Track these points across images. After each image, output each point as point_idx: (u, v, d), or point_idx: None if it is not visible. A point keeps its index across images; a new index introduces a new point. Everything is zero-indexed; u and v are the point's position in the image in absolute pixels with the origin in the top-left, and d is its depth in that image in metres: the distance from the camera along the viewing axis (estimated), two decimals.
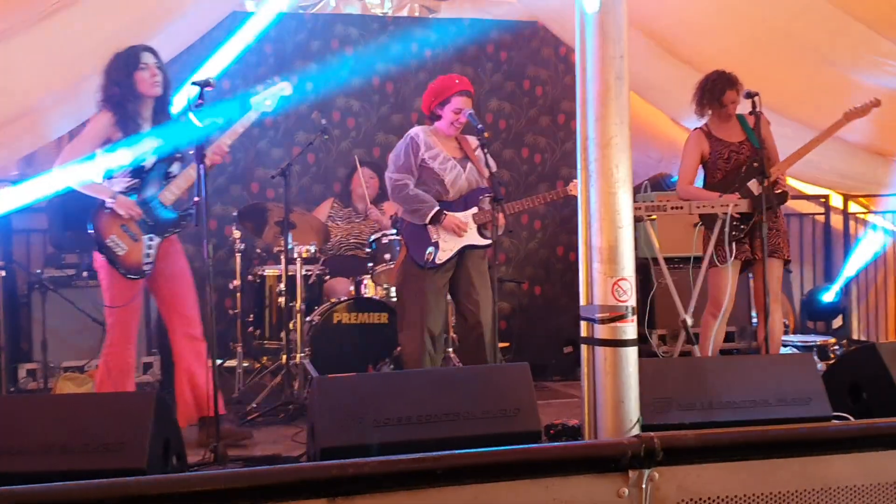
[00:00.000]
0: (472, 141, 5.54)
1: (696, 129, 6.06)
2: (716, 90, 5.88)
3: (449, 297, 5.64)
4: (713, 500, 2.20)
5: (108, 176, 4.94)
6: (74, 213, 6.23)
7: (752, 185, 5.75)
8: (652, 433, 2.03)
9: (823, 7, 6.14)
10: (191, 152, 4.81)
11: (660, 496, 2.03)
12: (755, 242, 5.70)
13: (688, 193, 5.96)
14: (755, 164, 5.73)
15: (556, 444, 2.72)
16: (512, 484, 1.94)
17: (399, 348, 5.73)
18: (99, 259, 4.92)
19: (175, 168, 5.03)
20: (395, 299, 6.30)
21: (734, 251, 5.73)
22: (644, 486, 2.04)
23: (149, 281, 5.02)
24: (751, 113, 5.49)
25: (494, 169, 5.10)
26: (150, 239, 4.92)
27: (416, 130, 5.53)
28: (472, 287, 5.45)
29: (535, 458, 1.98)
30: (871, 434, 2.21)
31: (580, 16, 3.38)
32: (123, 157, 4.88)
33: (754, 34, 6.72)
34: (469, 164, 5.51)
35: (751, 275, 6.06)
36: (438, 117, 5.47)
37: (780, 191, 5.86)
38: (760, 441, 2.11)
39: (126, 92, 4.90)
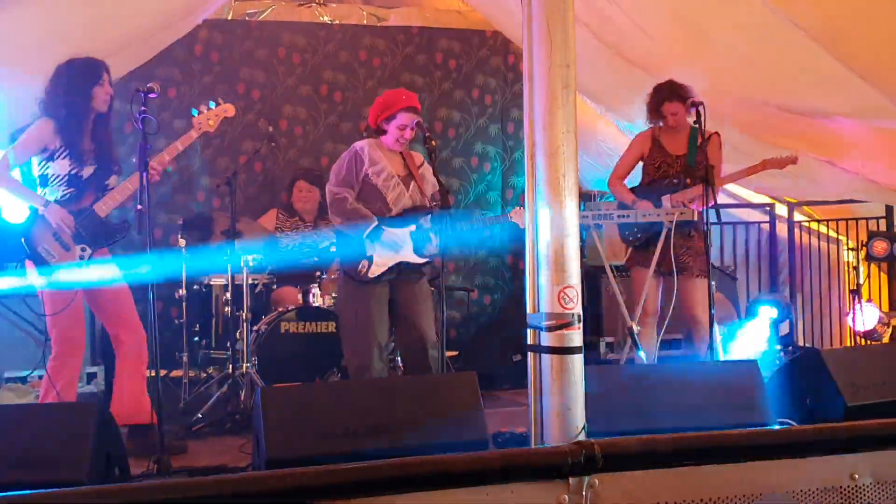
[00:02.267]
0: (418, 157, 5.49)
1: (648, 128, 6.12)
2: (655, 101, 5.93)
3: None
4: None
5: (44, 184, 4.89)
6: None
7: (665, 199, 5.82)
8: (592, 440, 2.04)
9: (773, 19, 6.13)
10: (134, 160, 4.77)
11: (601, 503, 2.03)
12: (663, 257, 5.74)
13: (613, 188, 6.13)
14: (675, 182, 5.86)
15: (495, 451, 2.71)
16: (448, 492, 1.93)
17: (345, 360, 5.67)
18: (31, 267, 4.86)
19: (112, 180, 5.00)
20: None
21: (636, 258, 5.93)
22: (584, 492, 2.03)
23: (85, 291, 4.95)
24: (695, 122, 5.52)
25: (444, 181, 5.09)
26: (83, 249, 4.86)
27: (362, 144, 5.42)
28: (411, 302, 5.38)
29: (473, 466, 1.97)
30: (812, 438, 2.23)
31: (527, 23, 3.39)
32: (61, 165, 4.85)
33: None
34: (413, 183, 5.44)
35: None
36: (384, 132, 5.40)
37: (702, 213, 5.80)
38: (703, 446, 2.12)
39: (78, 103, 4.86)
